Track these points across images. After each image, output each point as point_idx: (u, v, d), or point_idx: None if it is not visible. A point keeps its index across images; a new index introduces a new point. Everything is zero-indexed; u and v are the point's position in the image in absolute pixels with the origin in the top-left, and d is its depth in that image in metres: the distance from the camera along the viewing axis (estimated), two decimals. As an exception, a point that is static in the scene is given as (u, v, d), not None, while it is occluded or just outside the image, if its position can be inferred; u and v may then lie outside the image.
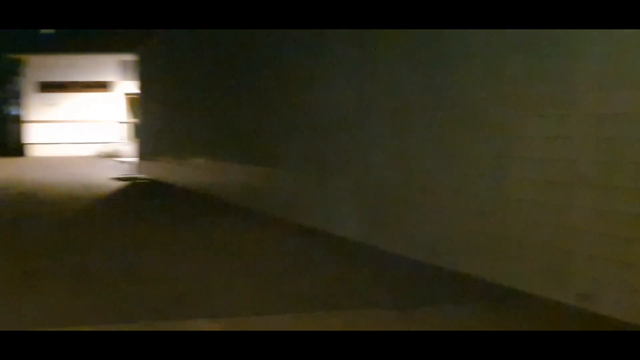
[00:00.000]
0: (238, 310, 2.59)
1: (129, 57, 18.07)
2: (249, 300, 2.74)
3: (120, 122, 19.18)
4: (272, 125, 4.79)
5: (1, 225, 5.16)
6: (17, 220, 5.37)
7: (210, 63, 6.48)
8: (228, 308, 2.62)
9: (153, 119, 9.38)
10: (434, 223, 2.93)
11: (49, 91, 19.94)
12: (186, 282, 3.11)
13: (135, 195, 7.80)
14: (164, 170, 8.69)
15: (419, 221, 3.03)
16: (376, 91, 3.35)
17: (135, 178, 9.83)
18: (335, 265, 3.41)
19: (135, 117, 17.34)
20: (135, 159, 10.92)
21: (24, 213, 5.85)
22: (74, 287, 3.03)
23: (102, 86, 19.74)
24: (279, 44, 4.74)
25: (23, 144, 20.28)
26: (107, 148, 18.59)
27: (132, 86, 18.39)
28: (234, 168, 5.80)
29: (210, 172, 6.65)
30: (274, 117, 4.76)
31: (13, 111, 24.56)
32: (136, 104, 17.51)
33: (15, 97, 23.41)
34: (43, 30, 22.59)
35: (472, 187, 2.73)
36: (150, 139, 9.50)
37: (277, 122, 4.69)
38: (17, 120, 22.27)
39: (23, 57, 20.07)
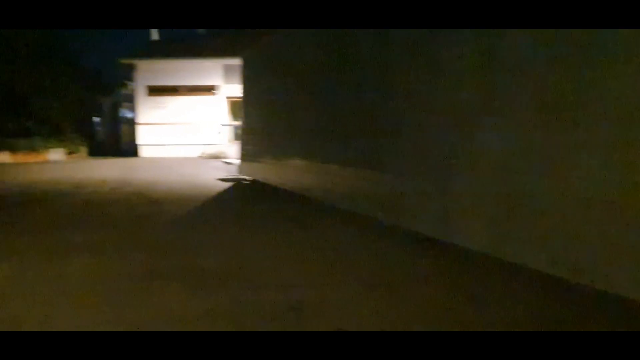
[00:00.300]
0: (360, 323, 2.45)
1: (233, 62, 18.74)
2: (370, 313, 2.59)
3: (223, 125, 19.85)
4: (383, 125, 4.60)
5: (118, 225, 5.33)
6: (132, 221, 5.55)
7: (315, 64, 6.42)
8: (349, 320, 2.48)
9: (256, 121, 9.51)
10: (578, 235, 2.62)
11: (157, 94, 21.01)
12: (301, 289, 3.01)
13: (241, 196, 7.94)
14: (267, 172, 8.78)
15: (560, 233, 2.72)
16: (516, 85, 3.04)
17: (239, 179, 10.05)
18: (461, 278, 3.18)
19: (237, 120, 17.95)
20: (239, 160, 11.17)
21: (138, 213, 6.05)
22: (189, 290, 3.02)
23: (206, 90, 20.54)
24: (389, 41, 4.55)
25: (136, 145, 21.49)
26: (211, 149, 19.30)
27: (235, 89, 19.08)
28: (340, 171, 5.69)
29: (314, 174, 6.59)
30: (385, 117, 4.57)
31: (126, 114, 26.23)
32: (239, 106, 18.09)
33: (128, 101, 24.93)
34: (153, 36, 23.91)
35: (630, 199, 2.41)
36: (253, 140, 9.65)
37: (389, 122, 4.49)
38: (130, 123, 23.69)
39: (135, 62, 21.26)
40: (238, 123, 17.45)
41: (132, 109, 23.20)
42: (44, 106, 21.45)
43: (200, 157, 19.04)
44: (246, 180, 9.83)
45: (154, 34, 24.09)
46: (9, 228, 5.21)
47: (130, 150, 21.74)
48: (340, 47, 5.63)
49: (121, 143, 25.31)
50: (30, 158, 19.40)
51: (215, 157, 18.26)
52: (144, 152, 21.04)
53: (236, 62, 17.87)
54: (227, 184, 9.30)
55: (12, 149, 19.28)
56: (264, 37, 8.78)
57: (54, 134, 21.63)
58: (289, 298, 2.82)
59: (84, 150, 22.44)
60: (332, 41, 5.84)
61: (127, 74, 23.02)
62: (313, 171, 6.61)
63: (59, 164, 17.08)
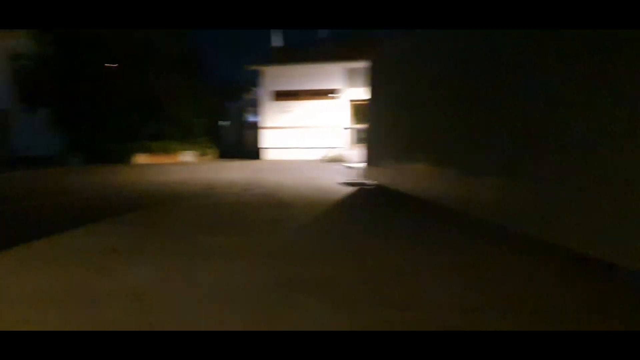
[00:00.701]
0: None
1: (356, 65, 18.74)
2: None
3: (345, 128, 19.87)
4: (537, 132, 4.14)
5: (250, 229, 5.33)
6: (263, 224, 5.54)
7: (454, 65, 6.04)
8: None
9: (382, 125, 9.27)
10: None
11: (281, 99, 21.53)
12: (453, 314, 2.70)
13: (368, 202, 7.73)
14: (393, 177, 8.50)
15: None
16: None
17: (363, 183, 9.88)
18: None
19: (360, 123, 17.91)
20: (362, 164, 11.03)
21: (268, 216, 6.05)
22: (328, 306, 2.85)
23: (329, 93, 20.69)
24: (548, 40, 4.09)
25: (259, 148, 22.20)
26: (333, 153, 19.38)
27: (357, 93, 19.06)
28: (479, 179, 5.27)
29: (447, 181, 6.21)
30: (540, 122, 4.11)
31: (251, 118, 27.27)
32: (362, 110, 18.02)
33: (253, 105, 25.86)
34: (274, 42, 24.57)
35: None
36: (378, 144, 9.42)
37: (545, 127, 4.03)
38: (254, 127, 24.54)
39: (260, 68, 21.95)
40: (361, 126, 17.35)
41: (256, 113, 24.01)
42: (177, 111, 22.78)
43: (322, 160, 19.18)
44: (370, 184, 9.62)
45: (275, 41, 24.73)
46: (149, 229, 5.40)
47: (253, 153, 22.47)
48: (485, 48, 5.22)
49: (245, 146, 26.28)
50: (165, 159, 20.69)
51: (337, 160, 18.29)
52: (266, 154, 21.65)
53: (360, 65, 17.88)
54: (352, 188, 9.15)
55: (149, 151, 20.67)
56: (393, 38, 8.52)
57: (186, 137, 22.92)
58: (441, 324, 2.54)
59: (212, 152, 23.53)
60: (474, 42, 5.44)
61: (252, 80, 23.87)
62: (446, 178, 6.23)
63: (191, 166, 18.01)
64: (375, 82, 9.78)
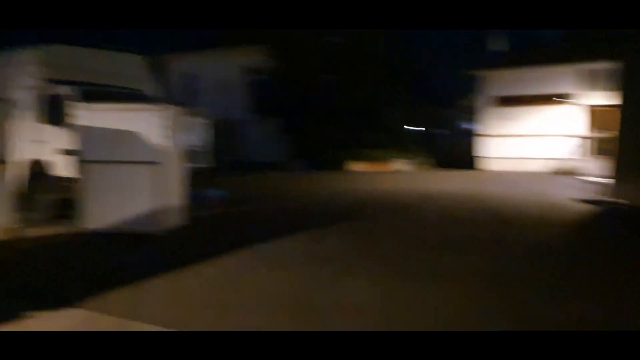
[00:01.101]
0: None
1: (594, 66, 16.62)
2: None
3: (581, 137, 17.73)
4: None
5: (471, 249, 4.85)
6: (487, 243, 4.99)
7: None
8: None
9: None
10: None
11: (504, 105, 20.15)
12: None
13: (622, 226, 6.48)
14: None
15: None
16: None
17: (608, 202, 8.46)
18: None
19: (601, 131, 15.75)
20: (604, 179, 9.58)
21: (492, 234, 5.48)
22: None
23: (559, 98, 18.71)
24: None
25: (475, 156, 21.10)
26: (564, 164, 17.47)
27: (597, 97, 16.86)
28: None
29: None
30: None
31: (465, 125, 26.17)
32: (604, 116, 15.85)
33: (467, 112, 24.80)
34: (490, 46, 23.25)
35: None
36: (636, 156, 7.95)
37: None
38: (469, 134, 23.46)
39: (481, 73, 20.88)
40: (603, 135, 15.20)
41: (472, 120, 22.89)
42: (391, 119, 22.83)
43: (550, 172, 17.35)
44: (620, 203, 8.16)
45: (493, 44, 23.32)
46: (370, 240, 5.32)
47: (468, 162, 21.43)
48: None
49: (460, 155, 25.28)
50: (378, 167, 20.79)
51: (569, 173, 16.33)
52: (484, 164, 20.41)
53: (599, 66, 15.80)
54: (593, 208, 7.86)
55: (363, 159, 21.01)
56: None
57: (400, 145, 22.83)
58: None
59: (426, 160, 23.09)
60: None
61: (467, 85, 22.84)
62: None
63: (405, 174, 17.83)
64: (632, 85, 8.27)
